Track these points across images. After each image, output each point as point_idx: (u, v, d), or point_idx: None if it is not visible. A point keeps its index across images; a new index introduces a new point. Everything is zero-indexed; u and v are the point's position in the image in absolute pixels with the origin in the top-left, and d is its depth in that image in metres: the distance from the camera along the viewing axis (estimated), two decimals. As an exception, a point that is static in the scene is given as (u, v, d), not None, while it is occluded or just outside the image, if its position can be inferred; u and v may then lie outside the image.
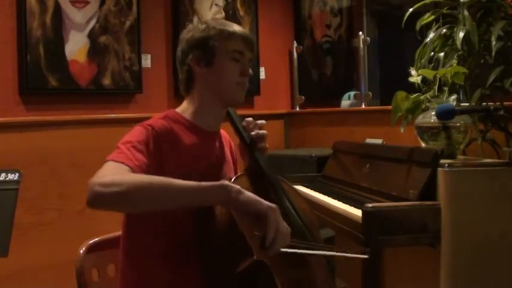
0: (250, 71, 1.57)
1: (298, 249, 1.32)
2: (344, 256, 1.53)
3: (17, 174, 1.74)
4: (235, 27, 1.57)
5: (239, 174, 1.53)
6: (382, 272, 1.91)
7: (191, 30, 1.57)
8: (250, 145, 1.56)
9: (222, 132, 1.68)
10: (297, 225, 1.45)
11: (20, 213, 1.80)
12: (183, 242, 1.45)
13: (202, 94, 1.55)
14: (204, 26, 1.56)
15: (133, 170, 1.31)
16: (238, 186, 1.28)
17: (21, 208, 1.66)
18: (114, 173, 1.28)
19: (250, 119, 1.59)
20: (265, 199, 1.46)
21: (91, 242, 1.66)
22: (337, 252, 1.50)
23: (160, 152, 1.42)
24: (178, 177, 1.38)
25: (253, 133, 1.57)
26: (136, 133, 1.43)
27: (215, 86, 1.54)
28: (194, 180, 1.43)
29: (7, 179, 1.73)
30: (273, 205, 1.28)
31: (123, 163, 1.32)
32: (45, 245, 2.74)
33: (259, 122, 1.59)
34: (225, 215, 1.35)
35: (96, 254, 1.65)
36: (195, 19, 3.46)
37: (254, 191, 1.46)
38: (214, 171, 1.55)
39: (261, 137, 1.58)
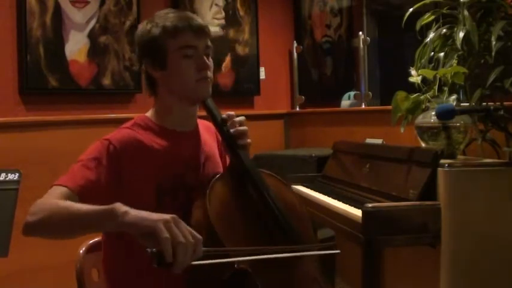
0: (209, 61, 1.48)
1: (224, 257, 1.20)
2: (310, 254, 1.44)
3: (17, 174, 1.74)
4: (179, 20, 1.47)
5: (218, 175, 1.50)
6: (382, 272, 1.91)
7: (139, 32, 1.51)
8: (230, 142, 1.51)
9: (206, 124, 1.63)
10: (275, 219, 1.41)
11: (20, 213, 1.79)
12: None
13: (165, 96, 1.51)
14: (149, 25, 1.49)
15: (73, 192, 1.33)
16: (125, 208, 1.18)
17: (21, 208, 1.65)
18: (45, 199, 1.31)
19: (231, 113, 1.53)
20: (245, 196, 1.44)
21: (91, 242, 1.66)
22: (304, 250, 1.40)
23: (117, 166, 1.39)
24: (157, 185, 1.40)
25: (232, 130, 1.51)
26: (91, 149, 1.43)
27: (175, 87, 1.49)
28: (176, 182, 1.44)
29: (7, 179, 1.73)
30: (166, 216, 1.14)
31: (64, 186, 1.34)
32: (45, 245, 2.71)
33: (238, 119, 1.53)
34: (204, 225, 1.32)
35: (96, 254, 1.64)
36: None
37: (234, 189, 1.45)
38: (192, 173, 1.51)
39: (241, 134, 1.51)
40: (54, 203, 1.29)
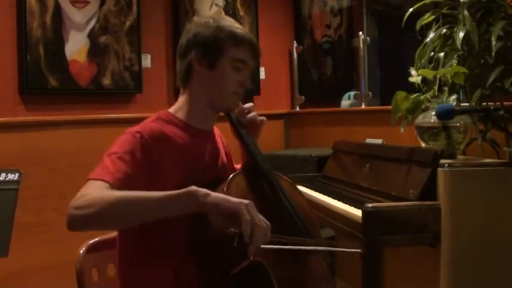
0: (250, 83, 1.56)
1: (282, 245, 1.30)
2: (337, 250, 1.54)
3: (17, 174, 1.75)
4: (245, 33, 1.53)
5: (236, 172, 1.53)
6: (382, 272, 1.90)
7: (201, 26, 1.52)
8: (245, 142, 1.55)
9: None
10: (290, 219, 1.45)
11: (20, 213, 1.80)
12: (178, 243, 1.44)
13: (196, 93, 1.53)
14: (214, 24, 1.51)
15: (112, 186, 1.31)
16: (205, 190, 1.26)
17: (21, 208, 1.66)
18: (90, 193, 1.28)
19: (245, 105, 1.61)
20: (260, 195, 1.46)
21: (91, 242, 1.66)
22: (329, 246, 1.49)
23: (150, 158, 1.40)
24: (182, 178, 1.41)
25: (244, 121, 1.59)
26: (123, 142, 1.41)
27: (211, 89, 1.52)
28: (197, 178, 1.44)
29: (7, 179, 1.73)
30: (245, 201, 1.26)
31: (102, 180, 1.32)
32: (45, 245, 2.74)
33: (247, 105, 1.61)
34: (219, 216, 1.34)
35: (96, 254, 1.65)
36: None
37: (249, 188, 1.47)
38: (210, 170, 1.54)
39: (254, 126, 1.60)
40: (109, 194, 1.28)
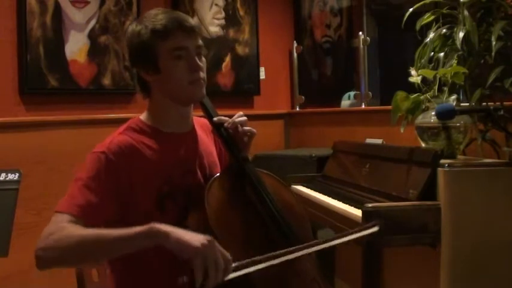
0: (201, 61, 1.45)
1: (254, 264, 1.24)
2: (354, 238, 1.42)
3: (17, 174, 1.75)
4: (166, 20, 1.41)
5: (216, 175, 1.49)
6: (382, 272, 1.91)
7: (129, 34, 1.47)
8: (226, 141, 1.51)
9: (202, 121, 1.62)
10: (274, 221, 1.42)
11: (20, 213, 1.80)
12: (170, 257, 1.43)
13: (159, 99, 1.49)
14: (138, 27, 1.44)
15: (77, 219, 1.31)
16: (165, 229, 1.22)
17: (21, 208, 1.66)
18: (54, 232, 1.29)
19: (223, 118, 1.53)
20: (242, 197, 1.45)
21: (91, 242, 1.66)
22: (343, 237, 1.39)
23: (117, 180, 1.38)
24: (156, 187, 1.40)
25: (227, 124, 1.51)
26: (89, 165, 1.39)
27: (169, 90, 1.46)
28: (175, 185, 1.43)
29: (7, 179, 1.73)
30: (204, 240, 1.20)
31: (68, 213, 1.32)
32: (45, 245, 2.73)
33: (239, 119, 1.52)
34: (203, 228, 1.32)
35: (96, 254, 1.64)
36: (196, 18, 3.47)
37: (231, 190, 1.45)
38: (191, 175, 1.50)
39: (242, 134, 1.51)
40: (69, 234, 1.28)
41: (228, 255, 1.22)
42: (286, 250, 1.29)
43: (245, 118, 1.53)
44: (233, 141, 1.51)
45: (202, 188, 1.44)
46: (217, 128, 1.53)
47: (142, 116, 1.53)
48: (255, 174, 1.49)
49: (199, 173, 1.52)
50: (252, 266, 1.24)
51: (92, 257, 1.32)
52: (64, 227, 1.29)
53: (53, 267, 1.31)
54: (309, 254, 1.37)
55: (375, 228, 1.45)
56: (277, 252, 1.27)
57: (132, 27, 1.48)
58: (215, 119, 1.53)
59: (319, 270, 1.52)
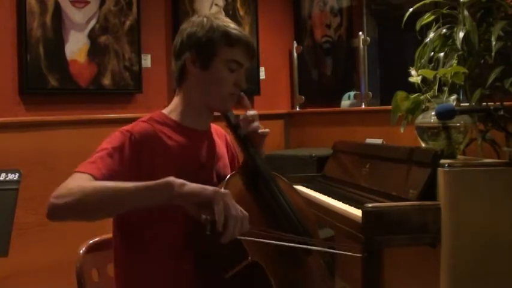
0: (244, 83, 1.54)
1: (264, 238, 1.27)
2: (336, 253, 1.53)
3: (17, 174, 1.74)
4: (240, 33, 1.50)
5: (232, 173, 1.52)
6: (382, 272, 1.91)
7: (195, 26, 1.50)
8: (243, 141, 1.54)
9: (216, 127, 1.66)
10: (288, 219, 1.44)
11: (20, 213, 1.79)
12: (176, 244, 1.44)
13: (191, 93, 1.52)
14: (208, 24, 1.49)
15: (96, 179, 1.31)
16: (181, 180, 1.24)
17: (21, 208, 1.66)
18: (71, 183, 1.29)
19: (249, 113, 1.56)
20: (258, 196, 1.46)
21: (91, 242, 1.67)
22: (329, 248, 1.49)
23: (138, 158, 1.40)
24: (176, 176, 1.38)
25: (244, 132, 1.55)
26: (112, 139, 1.42)
27: (206, 90, 1.50)
28: (190, 179, 1.43)
29: (7, 179, 1.73)
30: (221, 189, 1.25)
31: (87, 173, 1.32)
32: (45, 245, 2.74)
33: (250, 113, 1.56)
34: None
35: (96, 254, 1.65)
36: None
37: (247, 188, 1.47)
38: (205, 171, 1.53)
39: (254, 132, 1.55)
40: (88, 184, 1.28)
41: (245, 212, 1.25)
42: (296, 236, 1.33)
43: (255, 112, 1.58)
44: (249, 141, 1.55)
45: (215, 186, 1.45)
46: (235, 128, 1.56)
47: (165, 110, 1.56)
48: (270, 175, 1.52)
49: (213, 171, 1.55)
50: (265, 238, 1.26)
51: (108, 206, 1.28)
52: (83, 180, 1.30)
53: (65, 216, 1.29)
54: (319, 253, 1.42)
55: (359, 254, 1.50)
56: (289, 234, 1.32)
57: (199, 19, 1.52)
58: (241, 117, 1.58)
59: (326, 270, 1.56)
